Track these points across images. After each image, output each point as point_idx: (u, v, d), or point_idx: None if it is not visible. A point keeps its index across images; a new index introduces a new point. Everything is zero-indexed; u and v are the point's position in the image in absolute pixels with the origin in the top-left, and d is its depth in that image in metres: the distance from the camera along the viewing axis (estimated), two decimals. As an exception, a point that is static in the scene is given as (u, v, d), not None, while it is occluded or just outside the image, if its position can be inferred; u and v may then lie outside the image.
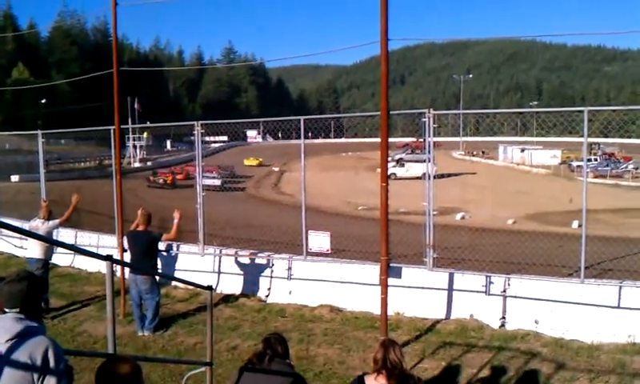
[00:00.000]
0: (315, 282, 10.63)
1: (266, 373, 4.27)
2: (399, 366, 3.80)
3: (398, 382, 3.79)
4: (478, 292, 9.45)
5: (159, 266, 10.92)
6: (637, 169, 49.26)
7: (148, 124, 26.58)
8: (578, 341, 8.48)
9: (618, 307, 8.60)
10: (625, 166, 50.49)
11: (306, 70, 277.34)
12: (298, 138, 10.48)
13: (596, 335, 8.49)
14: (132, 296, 9.47)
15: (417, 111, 9.60)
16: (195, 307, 10.30)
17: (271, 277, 11.26)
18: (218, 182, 28.26)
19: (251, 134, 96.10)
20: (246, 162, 60.29)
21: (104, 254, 3.62)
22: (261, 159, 60.69)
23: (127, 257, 9.83)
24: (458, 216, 25.71)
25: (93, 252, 3.98)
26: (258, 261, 11.53)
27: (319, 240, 10.50)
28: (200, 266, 11.71)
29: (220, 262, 11.77)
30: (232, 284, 11.43)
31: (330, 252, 10.52)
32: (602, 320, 8.61)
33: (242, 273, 11.49)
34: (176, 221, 9.96)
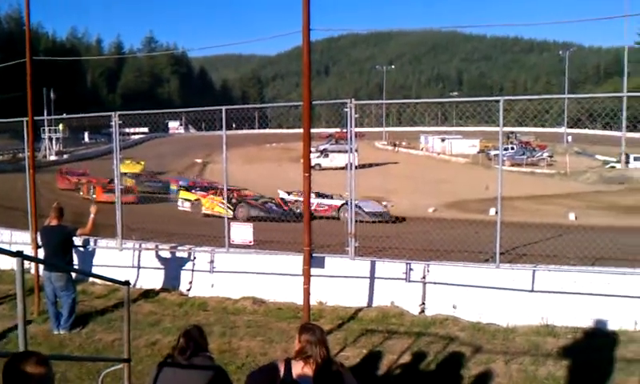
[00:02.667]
0: (238, 274, 10.53)
1: (186, 367, 4.18)
2: (322, 352, 3.78)
3: (320, 368, 3.77)
4: (398, 279, 9.60)
5: (75, 261, 10.55)
6: (551, 157, 51.36)
7: (64, 115, 25.56)
8: (494, 324, 8.75)
9: (532, 291, 8.94)
10: (540, 154, 52.55)
11: (230, 59, 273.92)
12: (222, 128, 10.34)
13: (511, 318, 8.79)
14: (46, 294, 9.10)
15: (339, 101, 9.63)
16: (114, 303, 10.00)
17: (193, 270, 11.09)
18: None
19: (173, 125, 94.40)
20: (124, 168, 42.54)
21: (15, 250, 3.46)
22: (143, 163, 42.62)
23: (42, 253, 9.46)
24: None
25: (2, 248, 3.78)
26: (179, 254, 11.32)
27: (242, 232, 10.42)
28: (118, 260, 11.39)
29: (140, 256, 11.49)
30: (152, 279, 11.19)
31: (252, 244, 10.45)
32: (516, 303, 8.93)
33: (162, 267, 11.26)
34: (92, 215, 9.64)
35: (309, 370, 3.76)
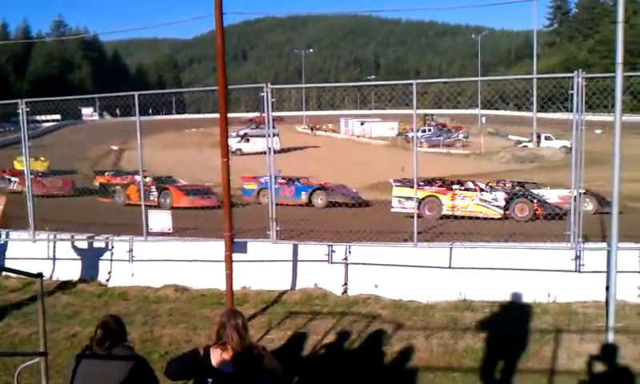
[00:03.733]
0: (159, 263, 10.37)
1: (106, 358, 4.09)
2: (241, 338, 3.79)
3: (240, 354, 3.78)
4: (321, 261, 9.74)
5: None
6: (467, 138, 52.83)
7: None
8: (414, 301, 9.02)
9: (450, 267, 9.26)
10: (456, 135, 53.93)
11: (144, 43, 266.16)
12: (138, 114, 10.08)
13: (431, 295, 9.08)
14: (-45, 290, 8.69)
15: (255, 86, 9.57)
16: (29, 296, 9.61)
17: (111, 260, 10.84)
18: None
19: (86, 111, 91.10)
20: (18, 165, 30.63)
21: None
22: (46, 161, 32.86)
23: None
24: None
25: None
26: (96, 244, 11.02)
27: (160, 219, 10.22)
28: (32, 252, 10.94)
29: (55, 247, 11.10)
30: (69, 270, 10.85)
31: (171, 231, 10.28)
32: (435, 280, 9.23)
33: (79, 258, 10.94)
34: (1, 207, 9.24)
35: (228, 356, 3.77)
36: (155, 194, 22.10)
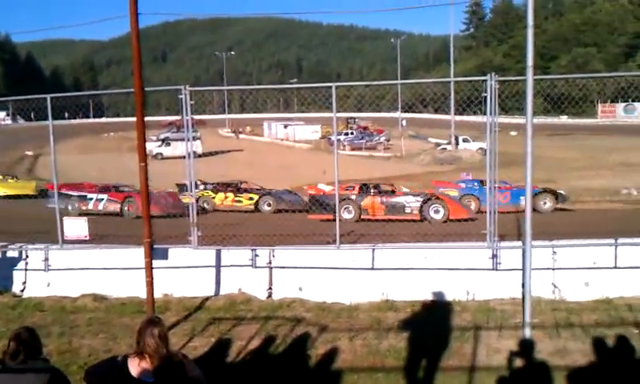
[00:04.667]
0: (76, 271, 10.02)
1: (19, 372, 3.92)
2: (160, 346, 3.71)
3: (160, 362, 3.70)
4: (245, 266, 9.68)
5: None
6: (388, 140, 53.69)
7: None
8: (339, 303, 9.09)
9: (373, 269, 9.38)
10: (377, 138, 54.68)
11: (60, 44, 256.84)
12: (54, 117, 9.72)
13: (354, 296, 9.17)
14: None
15: (173, 88, 9.41)
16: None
17: (26, 269, 10.40)
18: None
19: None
20: None
21: None
22: None
23: None
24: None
25: None
26: (9, 253, 10.55)
27: (76, 226, 9.90)
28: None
29: (-37, 258, 10.56)
30: (-20, 282, 10.34)
31: (88, 238, 9.97)
32: (358, 282, 9.33)
33: (-9, 268, 10.45)
34: None
35: (148, 365, 3.70)
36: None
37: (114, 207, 20.65)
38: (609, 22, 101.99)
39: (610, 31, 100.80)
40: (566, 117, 61.11)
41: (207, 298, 9.44)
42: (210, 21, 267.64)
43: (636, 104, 66.53)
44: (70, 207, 19.80)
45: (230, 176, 24.99)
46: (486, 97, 8.32)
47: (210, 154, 39.79)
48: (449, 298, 9.02)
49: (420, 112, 70.18)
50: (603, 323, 7.86)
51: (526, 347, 7.05)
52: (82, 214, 16.37)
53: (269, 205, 21.88)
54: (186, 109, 8.99)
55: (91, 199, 21.32)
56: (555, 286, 9.07)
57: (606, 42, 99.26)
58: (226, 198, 22.49)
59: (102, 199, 21.22)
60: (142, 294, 8.46)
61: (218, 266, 9.72)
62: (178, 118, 9.45)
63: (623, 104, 72.17)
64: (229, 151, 48.54)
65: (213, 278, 9.71)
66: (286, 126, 67.06)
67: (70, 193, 20.82)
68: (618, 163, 23.86)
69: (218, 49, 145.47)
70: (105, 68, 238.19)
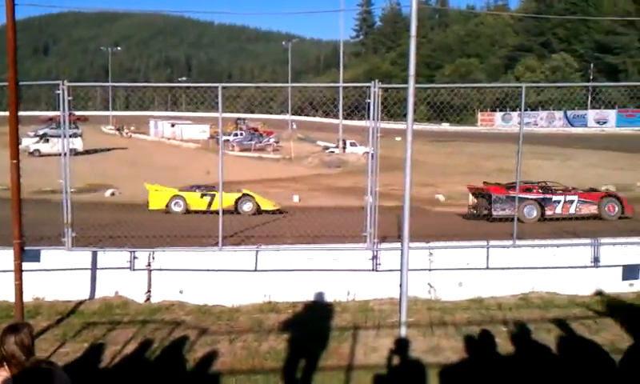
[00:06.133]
0: None
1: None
2: (18, 354, 3.50)
3: (25, 370, 3.48)
4: (122, 268, 9.38)
5: None
6: (278, 142, 53.81)
7: None
8: (220, 305, 9.03)
9: (255, 270, 9.35)
10: (267, 139, 54.66)
11: None
12: None
13: (236, 298, 9.14)
14: None
15: (51, 82, 8.97)
16: None
17: None
18: None
19: None
20: None
21: None
22: None
23: None
24: (108, 192, 25.01)
25: None
26: None
27: None
28: None
29: None
30: None
31: None
32: (241, 284, 9.30)
33: None
34: None
35: (9, 374, 3.48)
36: None
37: None
38: (491, 34, 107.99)
39: (491, 43, 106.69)
40: (447, 124, 63.67)
41: (81, 302, 9.10)
42: (95, 14, 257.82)
43: (512, 113, 70.45)
44: None
45: (113, 175, 24.10)
46: (369, 103, 8.52)
47: (92, 151, 38.17)
48: (330, 298, 9.16)
49: (311, 115, 70.97)
50: (474, 321, 8.26)
51: (401, 346, 7.27)
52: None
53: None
54: (64, 104, 8.61)
55: None
56: (431, 286, 9.43)
57: (488, 53, 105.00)
58: None
59: None
60: (11, 297, 8.00)
61: (94, 269, 9.35)
62: (57, 113, 8.99)
63: (501, 113, 76.51)
64: (112, 149, 46.80)
65: (88, 281, 9.33)
66: (173, 125, 65.63)
67: None
68: (494, 170, 25.11)
69: (103, 43, 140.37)
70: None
